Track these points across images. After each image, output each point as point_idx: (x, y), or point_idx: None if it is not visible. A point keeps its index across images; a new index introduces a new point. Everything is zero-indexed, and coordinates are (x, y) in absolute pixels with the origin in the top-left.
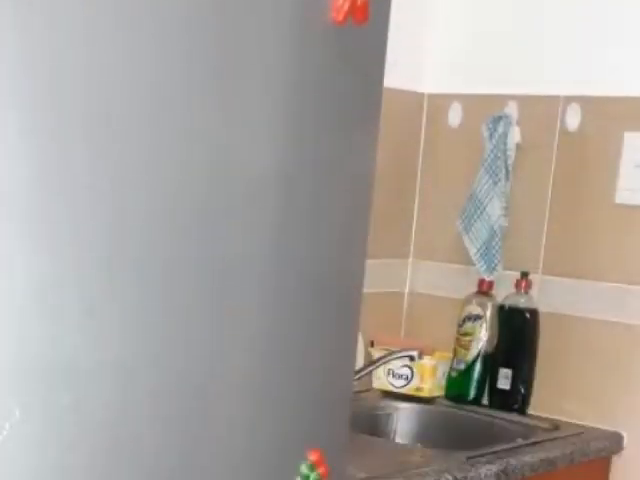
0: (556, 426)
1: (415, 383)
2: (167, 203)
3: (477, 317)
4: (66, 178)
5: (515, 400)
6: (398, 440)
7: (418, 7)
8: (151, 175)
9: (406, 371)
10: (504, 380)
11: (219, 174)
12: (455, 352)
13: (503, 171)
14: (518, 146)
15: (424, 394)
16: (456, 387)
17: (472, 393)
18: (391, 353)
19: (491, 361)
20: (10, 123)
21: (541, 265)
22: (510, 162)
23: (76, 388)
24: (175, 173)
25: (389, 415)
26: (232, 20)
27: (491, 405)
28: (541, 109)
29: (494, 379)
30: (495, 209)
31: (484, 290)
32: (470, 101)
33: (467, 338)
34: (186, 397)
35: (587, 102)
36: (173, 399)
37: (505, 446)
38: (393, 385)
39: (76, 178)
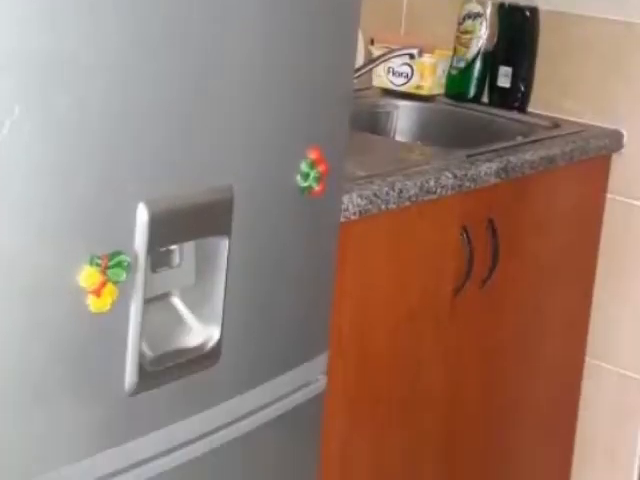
0: (556, 124)
1: (415, 81)
2: None
3: (477, 15)
4: None
5: (515, 98)
6: (398, 138)
7: None
8: None
9: (406, 69)
10: (504, 78)
11: None
12: (455, 50)
13: None
14: None
15: (424, 92)
16: (456, 85)
17: (472, 91)
18: (391, 51)
19: (491, 59)
20: None
21: None
22: None
23: (76, 86)
24: None
25: (389, 113)
26: None
27: (491, 103)
28: None
29: (494, 77)
30: None
31: None
32: None
33: (467, 36)
34: (186, 93)
35: None
36: (173, 94)
37: (505, 144)
38: (393, 83)
39: None
